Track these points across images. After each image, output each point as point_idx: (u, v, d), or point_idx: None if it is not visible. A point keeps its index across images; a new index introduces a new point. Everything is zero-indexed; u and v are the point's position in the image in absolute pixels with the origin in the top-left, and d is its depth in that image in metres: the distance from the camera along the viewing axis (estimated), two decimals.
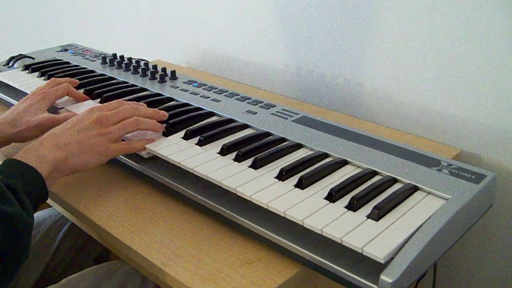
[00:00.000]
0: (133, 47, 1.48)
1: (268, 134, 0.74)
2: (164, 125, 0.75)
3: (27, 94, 0.94)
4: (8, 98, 0.98)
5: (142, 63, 1.03)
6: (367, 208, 0.55)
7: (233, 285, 0.53)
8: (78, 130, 0.67)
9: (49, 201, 0.73)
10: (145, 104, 0.78)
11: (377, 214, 0.53)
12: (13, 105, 0.95)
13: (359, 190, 0.59)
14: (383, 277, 0.46)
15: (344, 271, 0.50)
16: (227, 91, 0.90)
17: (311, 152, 0.68)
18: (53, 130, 0.68)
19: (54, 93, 0.82)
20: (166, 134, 0.74)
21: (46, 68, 1.05)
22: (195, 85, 0.94)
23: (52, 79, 0.88)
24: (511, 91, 0.76)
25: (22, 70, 1.07)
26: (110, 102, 0.75)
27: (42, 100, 0.80)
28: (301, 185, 0.60)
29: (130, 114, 0.72)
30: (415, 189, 0.60)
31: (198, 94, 0.89)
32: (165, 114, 0.76)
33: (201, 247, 0.59)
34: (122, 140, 0.71)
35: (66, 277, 0.72)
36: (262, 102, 0.85)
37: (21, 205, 0.54)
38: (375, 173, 0.63)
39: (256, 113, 0.80)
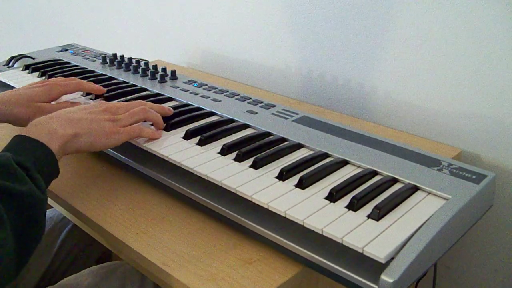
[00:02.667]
0: (133, 47, 1.48)
1: (269, 134, 0.74)
2: (164, 124, 0.75)
3: None
4: None
5: (142, 63, 1.03)
6: (368, 208, 0.55)
7: (233, 285, 0.53)
8: (90, 112, 0.67)
9: (50, 201, 0.73)
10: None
11: (378, 214, 0.53)
12: None
13: (360, 190, 0.59)
14: (383, 277, 0.46)
15: (344, 271, 0.50)
16: (227, 91, 0.90)
17: (311, 152, 0.68)
18: (64, 109, 0.68)
19: (60, 88, 0.79)
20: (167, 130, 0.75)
21: (46, 68, 1.05)
22: (195, 85, 0.94)
23: (73, 77, 0.86)
24: (511, 91, 0.76)
25: (22, 70, 1.07)
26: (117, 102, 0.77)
27: (47, 91, 0.78)
28: (301, 185, 0.60)
29: (138, 106, 0.73)
30: (415, 189, 0.60)
31: (199, 94, 0.89)
32: (170, 110, 0.78)
33: (201, 247, 0.59)
34: None
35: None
36: (262, 102, 0.85)
37: (34, 183, 0.53)
38: (375, 173, 0.63)
39: (257, 113, 0.81)
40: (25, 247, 0.52)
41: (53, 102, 0.81)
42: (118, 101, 0.84)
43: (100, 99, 0.87)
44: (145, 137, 0.71)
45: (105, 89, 0.87)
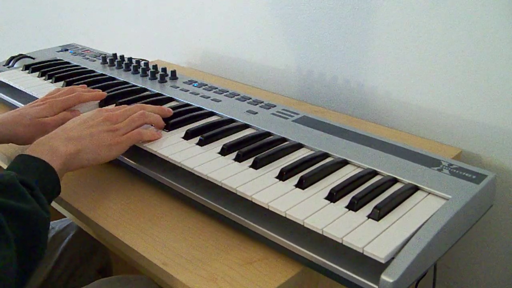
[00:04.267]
0: (133, 47, 1.48)
1: (269, 134, 0.74)
2: (164, 124, 0.76)
3: (27, 94, 0.95)
4: (8, 98, 0.98)
5: (142, 63, 1.03)
6: (368, 208, 0.55)
7: (233, 285, 0.53)
8: (89, 126, 0.67)
9: None
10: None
11: (378, 214, 0.53)
12: (13, 105, 0.95)
13: (360, 190, 0.59)
14: (383, 277, 0.46)
15: (344, 271, 0.50)
16: (227, 91, 0.90)
17: (311, 152, 0.68)
18: (63, 125, 0.68)
19: (61, 104, 0.79)
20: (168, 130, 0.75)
21: (46, 68, 1.05)
22: (195, 85, 0.94)
23: (71, 87, 0.85)
24: (511, 91, 0.76)
25: (22, 70, 1.07)
26: (116, 107, 0.76)
27: (48, 108, 0.77)
28: (301, 185, 0.60)
29: (136, 110, 0.73)
30: (415, 189, 0.60)
31: (199, 94, 0.89)
32: (170, 111, 0.78)
33: (201, 247, 0.59)
34: None
35: (69, 287, 0.70)
36: (262, 102, 0.85)
37: (37, 202, 0.54)
38: (375, 173, 0.63)
39: (257, 113, 0.80)
40: (27, 266, 0.51)
41: None
42: (118, 102, 0.84)
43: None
44: (146, 140, 0.71)
45: (106, 94, 0.86)
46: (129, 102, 0.84)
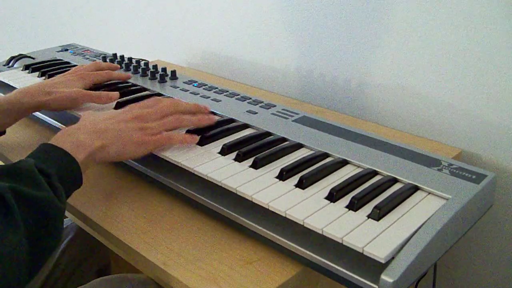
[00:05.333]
0: (133, 47, 1.48)
1: (269, 134, 0.74)
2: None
3: None
4: None
5: (142, 63, 1.03)
6: (368, 208, 0.55)
7: (233, 285, 0.53)
8: (118, 121, 0.67)
9: None
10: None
11: (378, 214, 0.53)
12: None
13: (360, 190, 0.59)
14: (383, 277, 0.46)
15: (344, 271, 0.50)
16: (227, 91, 0.90)
17: (311, 152, 0.68)
18: (92, 117, 0.67)
19: (93, 77, 0.83)
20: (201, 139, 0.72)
21: (46, 68, 1.05)
22: (195, 85, 0.94)
23: (94, 62, 0.91)
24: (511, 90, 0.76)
25: (22, 70, 1.07)
26: (148, 99, 0.75)
27: (80, 80, 0.80)
28: (301, 185, 0.60)
29: (171, 111, 0.71)
30: (415, 189, 0.60)
31: (199, 94, 0.89)
32: (207, 107, 0.77)
33: (201, 247, 0.59)
34: None
35: None
36: (262, 102, 0.85)
37: (53, 191, 0.53)
38: (375, 173, 0.63)
39: (257, 113, 0.81)
40: (39, 253, 0.51)
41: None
42: (118, 102, 0.84)
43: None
44: (175, 144, 0.69)
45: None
46: (129, 102, 0.84)
